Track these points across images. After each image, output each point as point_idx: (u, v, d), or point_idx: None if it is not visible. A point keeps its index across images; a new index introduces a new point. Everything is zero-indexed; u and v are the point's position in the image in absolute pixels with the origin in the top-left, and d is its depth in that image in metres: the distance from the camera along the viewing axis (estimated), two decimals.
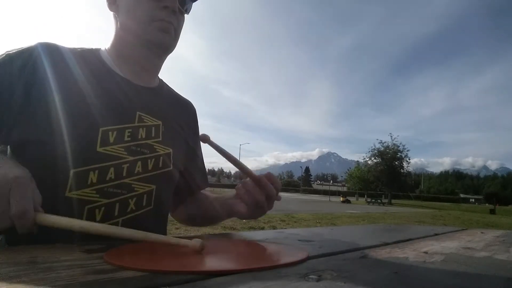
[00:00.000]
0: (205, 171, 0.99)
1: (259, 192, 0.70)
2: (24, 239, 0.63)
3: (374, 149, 40.90)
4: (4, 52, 0.67)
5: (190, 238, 0.70)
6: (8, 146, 0.68)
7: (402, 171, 40.21)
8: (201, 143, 0.80)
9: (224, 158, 0.66)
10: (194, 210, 0.92)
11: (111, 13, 0.78)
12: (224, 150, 0.64)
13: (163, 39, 0.75)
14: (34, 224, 0.51)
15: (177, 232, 5.17)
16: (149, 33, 0.73)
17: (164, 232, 0.82)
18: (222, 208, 0.83)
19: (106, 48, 0.79)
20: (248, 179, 0.72)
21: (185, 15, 0.81)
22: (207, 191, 0.96)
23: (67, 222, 0.52)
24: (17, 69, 0.65)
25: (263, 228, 6.49)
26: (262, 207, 0.72)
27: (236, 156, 0.68)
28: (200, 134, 0.62)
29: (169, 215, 0.89)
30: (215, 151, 0.64)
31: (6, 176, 0.51)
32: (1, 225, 0.50)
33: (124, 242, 0.54)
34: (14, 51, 0.67)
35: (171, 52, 0.82)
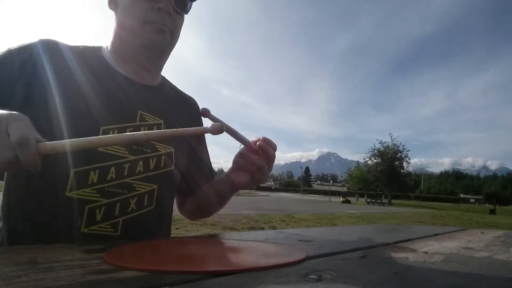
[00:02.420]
0: (210, 168, 0.97)
1: (259, 158, 0.70)
2: (29, 237, 0.63)
3: (374, 149, 40.92)
4: (6, 49, 0.67)
5: (190, 237, 0.70)
6: None
7: (402, 171, 40.21)
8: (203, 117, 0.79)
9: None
10: (193, 205, 0.92)
11: (112, 11, 0.78)
12: (224, 123, 0.60)
13: (157, 41, 0.74)
14: (37, 154, 0.48)
15: (177, 232, 5.17)
16: (143, 34, 0.73)
17: (167, 232, 0.82)
18: (223, 187, 0.82)
19: (108, 46, 0.79)
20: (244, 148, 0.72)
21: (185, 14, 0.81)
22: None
23: (69, 144, 0.50)
24: (18, 67, 0.65)
25: (263, 228, 6.48)
26: (265, 172, 0.71)
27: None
28: (200, 108, 0.61)
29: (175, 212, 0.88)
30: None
31: (1, 113, 0.49)
32: (4, 157, 0.47)
33: (124, 242, 0.54)
34: (14, 48, 0.67)
35: (168, 52, 0.81)
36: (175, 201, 0.94)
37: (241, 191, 0.90)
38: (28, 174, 0.65)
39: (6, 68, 0.65)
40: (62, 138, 0.63)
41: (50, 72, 0.66)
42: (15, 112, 0.51)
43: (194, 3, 0.81)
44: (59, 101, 0.64)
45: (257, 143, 0.69)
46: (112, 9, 0.77)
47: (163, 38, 0.74)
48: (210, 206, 0.90)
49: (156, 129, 0.76)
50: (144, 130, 0.73)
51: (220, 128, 0.52)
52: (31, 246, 0.51)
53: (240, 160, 0.73)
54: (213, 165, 0.99)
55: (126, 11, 0.73)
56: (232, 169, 0.78)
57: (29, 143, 0.48)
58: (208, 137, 0.99)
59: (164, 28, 0.73)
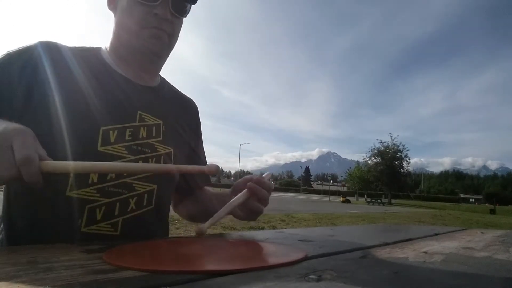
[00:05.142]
0: None
1: (254, 203, 0.71)
2: (29, 237, 0.63)
3: (374, 149, 40.92)
4: (5, 52, 0.67)
5: (190, 237, 0.70)
6: None
7: (402, 171, 40.21)
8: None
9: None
10: (194, 207, 0.92)
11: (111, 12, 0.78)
12: (219, 215, 0.68)
13: (152, 47, 0.74)
14: (40, 172, 0.51)
15: (177, 232, 5.18)
16: (140, 39, 0.72)
17: (165, 232, 0.82)
18: (220, 206, 0.82)
19: (107, 47, 0.79)
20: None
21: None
22: (208, 188, 0.95)
23: (71, 165, 0.54)
24: (18, 70, 0.65)
25: (263, 228, 6.48)
26: (259, 212, 0.73)
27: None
28: (196, 229, 0.65)
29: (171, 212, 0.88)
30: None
31: (6, 128, 0.51)
32: (8, 174, 0.49)
33: (124, 242, 0.54)
34: (14, 51, 0.67)
35: (166, 55, 0.81)
36: (175, 203, 0.94)
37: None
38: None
39: (7, 71, 0.65)
40: (62, 138, 0.63)
41: (51, 73, 0.66)
42: (20, 127, 0.53)
43: (194, 4, 0.81)
44: (59, 101, 0.64)
45: (248, 184, 0.70)
46: (111, 10, 0.77)
47: (160, 43, 0.74)
48: (200, 216, 0.88)
49: (155, 130, 0.76)
50: (144, 131, 0.73)
51: (215, 169, 0.61)
52: (31, 246, 0.51)
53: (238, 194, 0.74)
54: None
55: (124, 13, 0.73)
56: (230, 195, 0.78)
57: (33, 162, 0.49)
58: (207, 136, 1.00)
59: (162, 34, 0.73)
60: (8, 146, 0.49)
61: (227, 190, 0.84)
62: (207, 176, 0.96)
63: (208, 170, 0.60)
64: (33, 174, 0.50)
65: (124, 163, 0.65)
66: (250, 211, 0.72)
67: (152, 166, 0.66)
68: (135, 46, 0.74)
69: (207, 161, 0.99)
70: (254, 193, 0.70)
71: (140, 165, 0.65)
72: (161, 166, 0.64)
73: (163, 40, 0.74)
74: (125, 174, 0.68)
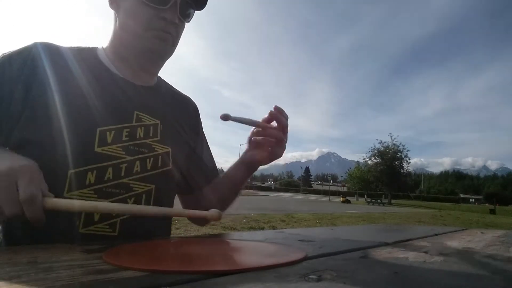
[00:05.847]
0: (213, 166, 0.96)
1: (276, 131, 0.74)
2: (27, 238, 0.63)
3: (374, 149, 40.96)
4: (1, 54, 0.67)
5: (190, 237, 0.70)
6: (7, 147, 0.68)
7: (402, 171, 40.25)
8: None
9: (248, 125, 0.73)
10: (213, 195, 0.90)
11: (111, 10, 0.77)
12: (246, 119, 0.70)
13: (159, 48, 0.74)
14: (43, 209, 0.51)
15: (177, 232, 5.18)
16: (145, 40, 0.72)
17: (167, 232, 0.82)
18: (238, 173, 0.84)
19: (104, 46, 0.79)
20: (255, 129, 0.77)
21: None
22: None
23: (78, 204, 0.54)
24: (16, 70, 0.65)
25: (263, 228, 6.48)
26: (283, 142, 0.76)
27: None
28: (221, 115, 0.66)
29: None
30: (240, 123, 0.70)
31: (12, 165, 0.51)
32: (11, 211, 0.49)
33: (124, 242, 0.54)
34: (11, 52, 0.67)
35: (168, 58, 0.81)
36: (180, 202, 0.94)
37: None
38: None
39: (5, 70, 0.65)
40: (62, 139, 0.63)
41: (49, 72, 0.66)
42: (26, 162, 0.53)
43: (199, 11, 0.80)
44: (56, 101, 0.64)
45: (270, 111, 0.73)
46: (113, 9, 0.76)
47: (164, 45, 0.74)
48: (224, 200, 0.89)
49: (153, 129, 0.76)
50: (141, 131, 0.73)
51: (217, 216, 0.60)
52: (31, 247, 0.51)
53: (257, 137, 0.75)
54: None
55: (129, 14, 0.72)
56: (247, 150, 0.81)
57: (36, 201, 0.50)
58: (207, 137, 0.99)
59: (167, 37, 0.73)
60: (13, 183, 0.49)
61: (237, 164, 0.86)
62: (215, 171, 0.96)
63: (210, 217, 0.60)
64: (36, 212, 0.50)
65: (132, 205, 0.64)
66: (277, 144, 0.74)
67: (155, 210, 0.62)
68: (136, 47, 0.74)
69: (214, 159, 0.99)
70: (277, 118, 0.73)
71: (145, 208, 0.63)
72: (164, 209, 0.62)
73: (168, 42, 0.74)
74: (122, 175, 0.67)
